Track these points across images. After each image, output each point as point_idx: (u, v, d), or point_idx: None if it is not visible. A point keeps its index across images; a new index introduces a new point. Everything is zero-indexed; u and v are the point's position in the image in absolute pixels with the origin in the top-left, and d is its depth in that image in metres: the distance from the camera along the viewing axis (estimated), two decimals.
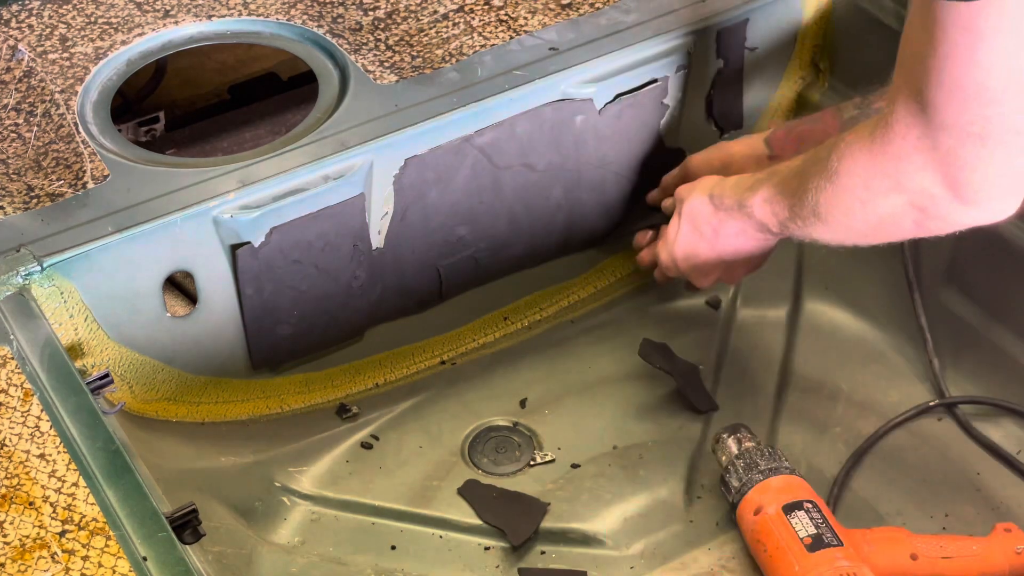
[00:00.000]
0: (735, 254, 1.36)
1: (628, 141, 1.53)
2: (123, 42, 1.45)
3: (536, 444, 1.48)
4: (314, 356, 1.49)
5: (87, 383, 1.14)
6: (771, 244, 1.34)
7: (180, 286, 1.48)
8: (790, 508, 1.28)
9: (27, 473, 1.03)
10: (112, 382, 1.21)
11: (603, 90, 1.45)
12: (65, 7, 1.49)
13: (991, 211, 1.04)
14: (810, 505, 1.28)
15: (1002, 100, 0.94)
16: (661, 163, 1.55)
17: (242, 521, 1.35)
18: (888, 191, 1.06)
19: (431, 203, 1.44)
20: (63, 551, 0.97)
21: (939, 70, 0.95)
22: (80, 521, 0.99)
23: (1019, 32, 0.91)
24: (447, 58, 1.44)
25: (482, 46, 1.45)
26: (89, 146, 1.34)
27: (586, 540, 1.38)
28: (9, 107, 1.39)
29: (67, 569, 0.96)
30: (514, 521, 1.38)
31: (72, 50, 1.45)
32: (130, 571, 0.96)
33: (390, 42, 1.46)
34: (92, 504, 1.00)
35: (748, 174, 1.32)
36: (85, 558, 0.97)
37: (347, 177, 1.34)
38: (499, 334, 1.58)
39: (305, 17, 1.49)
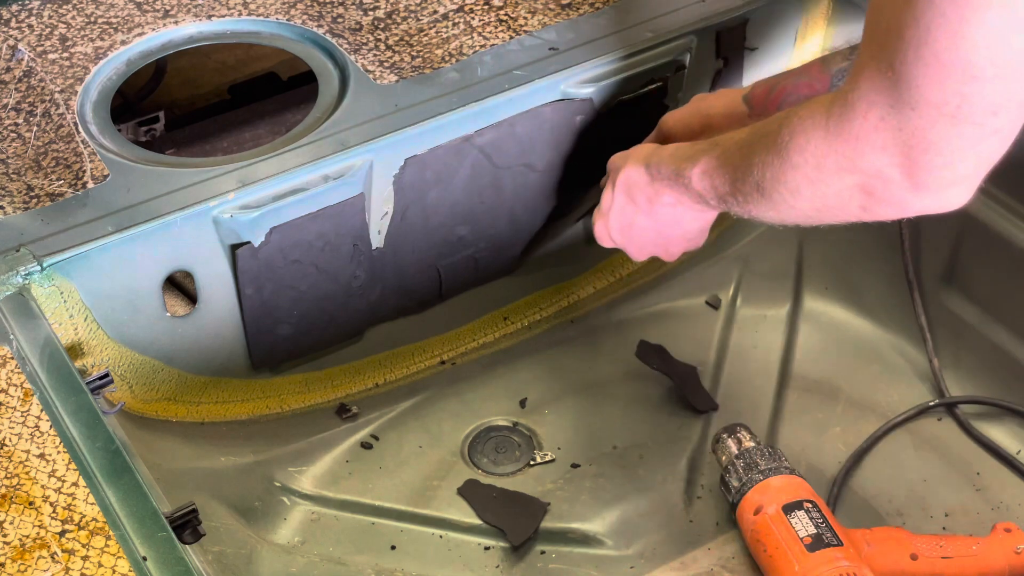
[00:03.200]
0: (671, 227, 1.29)
1: (627, 141, 1.53)
2: (123, 42, 1.45)
3: (536, 444, 1.48)
4: (314, 356, 1.49)
5: (87, 383, 1.14)
6: (709, 219, 1.29)
7: (180, 286, 1.48)
8: (790, 508, 1.28)
9: (27, 473, 1.03)
10: (112, 382, 1.21)
11: (603, 90, 1.45)
12: (65, 7, 1.49)
13: (944, 198, 1.01)
14: (810, 505, 1.28)
15: (984, 77, 0.90)
16: None
17: (242, 521, 1.35)
18: (839, 171, 1.02)
19: (431, 203, 1.44)
20: (63, 551, 0.97)
21: (920, 43, 0.90)
22: (80, 521, 0.99)
23: (1010, 5, 0.87)
24: (447, 58, 1.44)
25: (482, 46, 1.45)
26: (89, 146, 1.34)
27: (586, 540, 1.38)
28: (9, 107, 1.39)
29: (67, 569, 0.96)
30: (514, 521, 1.38)
31: (72, 50, 1.45)
32: (130, 571, 0.96)
33: (390, 42, 1.46)
34: (92, 504, 1.00)
35: (687, 143, 1.26)
36: (85, 558, 0.97)
37: (347, 177, 1.34)
38: (499, 334, 1.58)
39: (305, 17, 1.49)
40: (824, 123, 1.01)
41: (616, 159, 1.33)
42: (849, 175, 1.01)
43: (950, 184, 0.99)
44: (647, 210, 1.29)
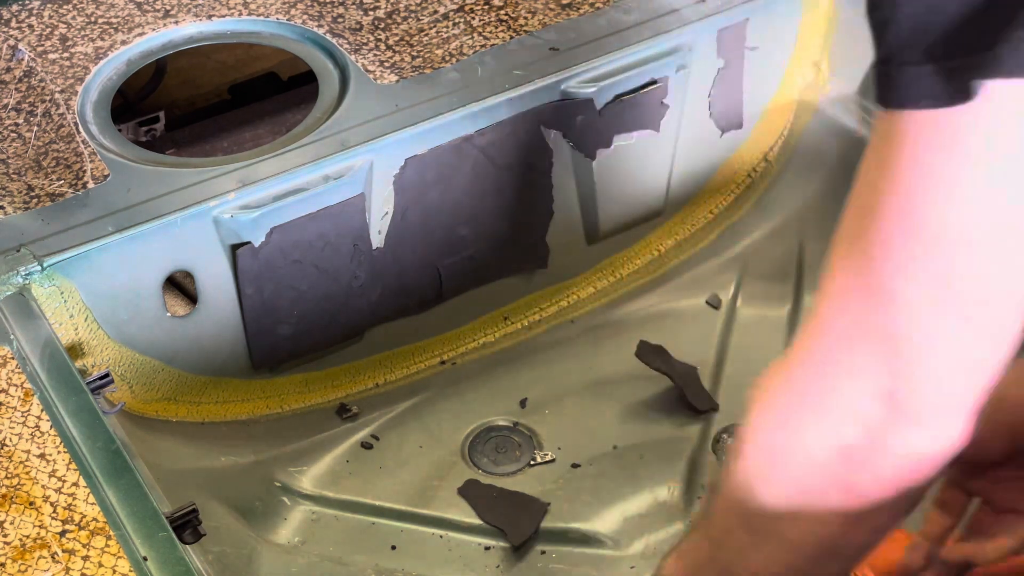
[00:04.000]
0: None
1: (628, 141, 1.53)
2: (123, 42, 1.45)
3: (536, 444, 1.48)
4: (314, 356, 1.49)
5: (87, 383, 1.14)
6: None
7: (180, 286, 1.48)
8: None
9: (27, 473, 1.03)
10: (112, 382, 1.21)
11: (603, 90, 1.45)
12: (65, 7, 1.49)
13: (939, 431, 0.77)
14: None
15: (966, 249, 0.73)
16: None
17: (242, 521, 1.35)
18: (807, 427, 0.81)
19: (431, 203, 1.44)
20: (63, 551, 0.97)
21: (893, 217, 0.73)
22: (80, 521, 0.99)
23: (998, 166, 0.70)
24: (447, 58, 1.44)
25: (482, 46, 1.45)
26: (89, 146, 1.34)
27: (586, 540, 1.38)
28: (9, 107, 1.39)
29: (67, 569, 0.96)
30: (514, 521, 1.38)
31: (72, 50, 1.45)
32: (130, 571, 0.96)
33: (390, 42, 1.46)
34: (92, 504, 1.00)
35: None
36: (85, 558, 0.97)
37: (347, 177, 1.34)
38: (499, 334, 1.58)
39: (305, 17, 1.49)
40: (785, 369, 0.84)
41: None
42: (815, 429, 0.81)
43: (945, 408, 0.77)
44: None
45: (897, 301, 0.74)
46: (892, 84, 0.70)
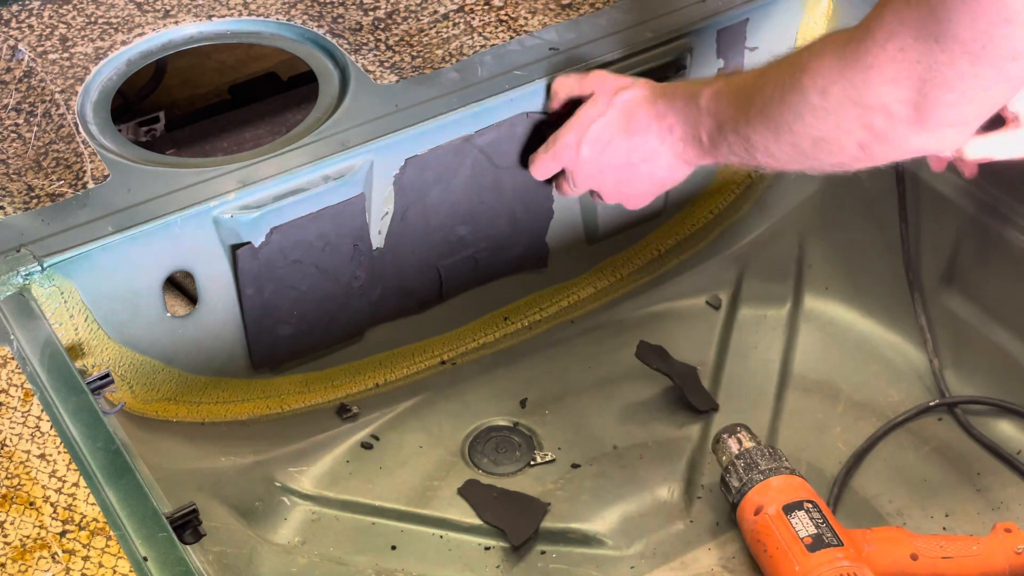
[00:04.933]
0: (645, 160, 1.29)
1: None
2: (123, 42, 1.45)
3: (536, 444, 1.48)
4: (314, 356, 1.49)
5: (87, 383, 1.14)
6: (683, 171, 1.29)
7: (180, 286, 1.48)
8: (790, 508, 1.28)
9: (27, 473, 1.03)
10: (112, 382, 1.21)
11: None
12: (65, 7, 1.49)
13: (943, 138, 1.02)
14: (810, 505, 1.28)
15: (1017, 22, 0.91)
16: None
17: (242, 521, 1.35)
18: (844, 100, 1.03)
19: (431, 203, 1.44)
20: (63, 551, 0.97)
21: None
22: (80, 521, 0.99)
23: None
24: (447, 58, 1.44)
25: (482, 46, 1.45)
26: (89, 146, 1.34)
27: (586, 540, 1.38)
28: (9, 107, 1.39)
29: (67, 569, 0.96)
30: (514, 521, 1.38)
31: (72, 50, 1.44)
32: (130, 571, 0.96)
33: (390, 42, 1.46)
34: (92, 504, 1.00)
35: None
36: (85, 558, 0.97)
37: (347, 177, 1.34)
38: (499, 334, 1.58)
39: (305, 17, 1.49)
40: (840, 50, 1.02)
41: (608, 77, 1.33)
42: (853, 107, 1.02)
43: (951, 124, 1.00)
44: (636, 131, 1.28)
45: (942, 44, 0.94)
46: None
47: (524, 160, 1.45)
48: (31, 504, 1.01)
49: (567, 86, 1.37)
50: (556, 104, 1.39)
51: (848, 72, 1.02)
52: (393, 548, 1.37)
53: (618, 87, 1.32)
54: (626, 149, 1.30)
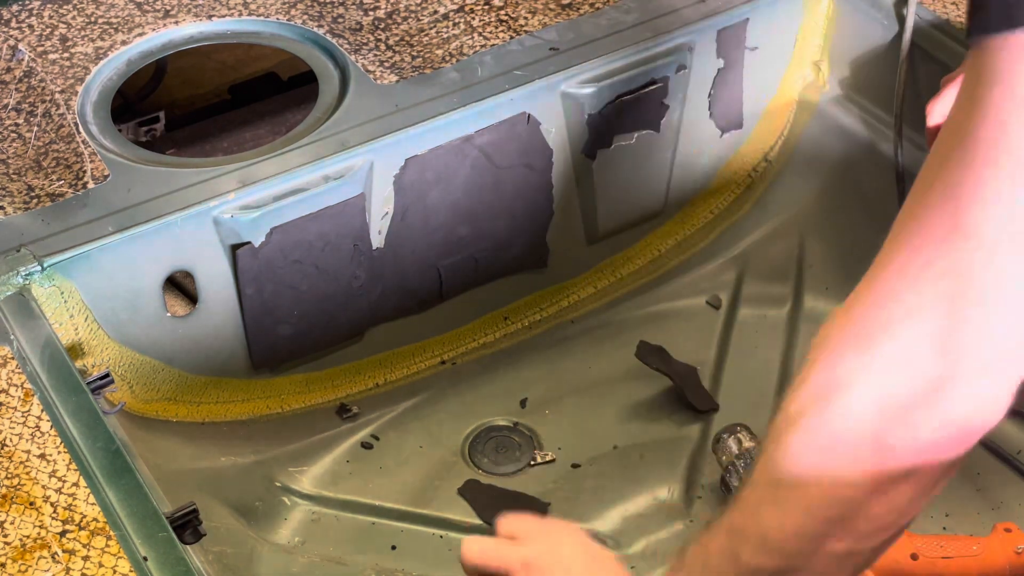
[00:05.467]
0: None
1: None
2: (123, 42, 1.45)
3: (536, 444, 1.48)
4: (314, 356, 1.49)
5: (87, 383, 1.14)
6: None
7: (180, 286, 1.48)
8: None
9: (28, 473, 1.03)
10: (112, 382, 1.21)
11: (603, 90, 1.45)
12: (65, 7, 1.49)
13: (983, 394, 0.75)
14: None
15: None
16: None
17: (242, 521, 1.35)
18: (855, 374, 0.77)
19: (431, 203, 1.44)
20: (63, 551, 0.97)
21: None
22: (80, 521, 0.99)
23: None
24: (447, 58, 1.44)
25: (482, 46, 1.45)
26: (89, 146, 1.34)
27: None
28: (9, 107, 1.39)
29: (67, 569, 0.96)
30: None
31: (72, 50, 1.45)
32: (130, 571, 0.96)
33: (390, 42, 1.46)
34: (92, 504, 1.00)
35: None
36: (85, 558, 0.97)
37: (347, 177, 1.34)
38: (499, 334, 1.58)
39: (305, 17, 1.49)
40: (845, 311, 0.81)
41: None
42: (869, 382, 0.77)
43: (990, 367, 0.75)
44: None
45: (975, 237, 0.72)
46: (990, 8, 0.70)
47: (524, 160, 1.45)
48: (31, 504, 1.01)
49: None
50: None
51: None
52: (393, 548, 1.37)
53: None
54: None
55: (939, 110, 1.25)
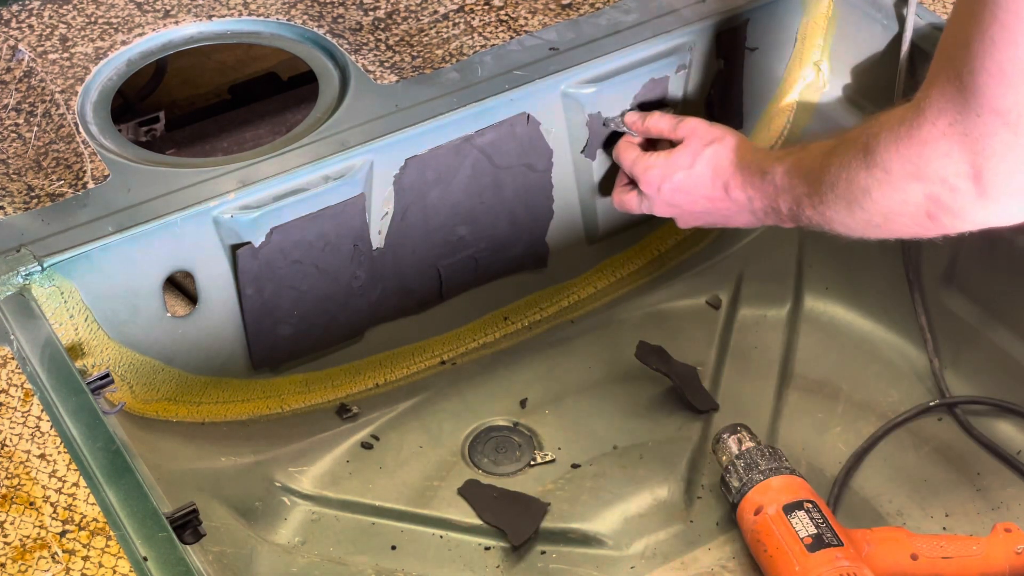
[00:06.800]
0: (717, 213, 1.37)
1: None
2: (123, 42, 1.45)
3: (536, 444, 1.48)
4: (314, 356, 1.49)
5: (87, 383, 1.14)
6: (761, 224, 1.34)
7: (180, 286, 1.48)
8: (790, 508, 1.28)
9: (27, 473, 1.03)
10: (112, 382, 1.21)
11: (603, 90, 1.45)
12: (65, 7, 1.49)
13: (1008, 209, 1.03)
14: (810, 505, 1.28)
15: None
16: None
17: (242, 521, 1.35)
18: (907, 177, 1.06)
19: (431, 203, 1.44)
20: (63, 551, 0.97)
21: (984, 54, 0.95)
22: (80, 521, 0.99)
23: None
24: (447, 58, 1.44)
25: (482, 46, 1.45)
26: (89, 146, 1.34)
27: (586, 540, 1.38)
28: (9, 107, 1.39)
29: (67, 569, 0.96)
30: (514, 521, 1.38)
31: (72, 50, 1.45)
32: (130, 571, 0.96)
33: (390, 42, 1.46)
34: (92, 504, 1.00)
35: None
36: (85, 558, 0.97)
37: (347, 177, 1.34)
38: (499, 334, 1.58)
39: (305, 17, 1.49)
40: (896, 128, 1.05)
41: (701, 128, 1.38)
42: (916, 182, 1.05)
43: (1013, 195, 1.01)
44: (717, 195, 1.34)
45: (984, 117, 0.97)
46: None
47: (524, 160, 1.45)
48: (31, 504, 1.01)
49: (660, 127, 1.42)
50: (639, 132, 1.45)
51: (905, 149, 1.05)
52: (393, 548, 1.37)
53: (708, 140, 1.36)
54: (706, 202, 1.36)
55: None
